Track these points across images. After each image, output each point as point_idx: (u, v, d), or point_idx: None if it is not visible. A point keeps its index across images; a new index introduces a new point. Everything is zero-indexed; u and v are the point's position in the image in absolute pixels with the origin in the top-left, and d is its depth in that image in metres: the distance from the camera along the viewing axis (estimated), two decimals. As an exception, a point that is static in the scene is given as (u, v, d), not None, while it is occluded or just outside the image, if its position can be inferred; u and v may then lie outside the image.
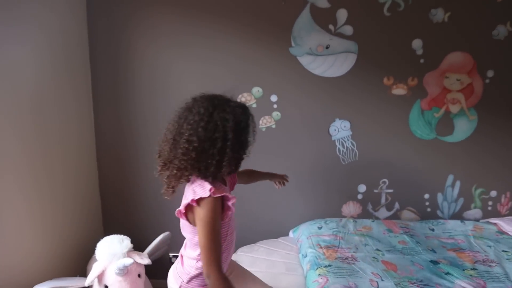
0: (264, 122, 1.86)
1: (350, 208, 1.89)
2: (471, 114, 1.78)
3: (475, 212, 1.89)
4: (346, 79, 1.77)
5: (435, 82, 1.75)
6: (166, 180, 0.91)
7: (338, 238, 1.55)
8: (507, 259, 1.40)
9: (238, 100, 0.99)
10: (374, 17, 1.72)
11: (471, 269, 1.32)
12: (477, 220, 1.87)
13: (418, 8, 1.71)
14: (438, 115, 1.78)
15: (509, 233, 1.66)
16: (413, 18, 1.72)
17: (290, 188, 1.86)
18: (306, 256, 1.43)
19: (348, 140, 1.82)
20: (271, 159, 1.86)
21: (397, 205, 1.89)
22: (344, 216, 1.89)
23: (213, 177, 0.88)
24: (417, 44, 1.73)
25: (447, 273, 1.27)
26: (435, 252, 1.45)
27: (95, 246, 1.45)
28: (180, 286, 0.96)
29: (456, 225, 1.74)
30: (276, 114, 1.84)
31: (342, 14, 1.74)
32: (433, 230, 1.69)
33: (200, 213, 0.83)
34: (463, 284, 1.19)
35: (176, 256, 1.80)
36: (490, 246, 1.52)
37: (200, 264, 0.88)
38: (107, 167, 1.94)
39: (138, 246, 1.55)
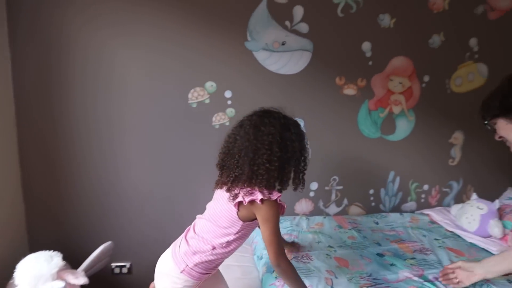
0: (218, 119, 1.77)
1: (303, 205, 1.93)
2: (410, 115, 1.93)
3: (411, 205, 2.07)
4: (301, 77, 1.77)
5: (381, 84, 1.86)
6: (231, 191, 0.99)
7: (292, 237, 1.55)
8: (438, 246, 1.56)
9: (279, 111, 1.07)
10: (329, 17, 1.75)
11: (411, 258, 1.43)
12: (412, 211, 2.06)
13: (368, 12, 1.78)
14: (383, 115, 1.89)
15: (439, 222, 1.86)
16: (364, 21, 1.78)
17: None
18: (261, 258, 1.40)
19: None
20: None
21: (345, 201, 1.98)
22: (297, 214, 1.91)
23: (281, 189, 1.03)
24: (366, 46, 1.81)
25: (391, 264, 1.36)
26: (380, 245, 1.55)
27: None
28: (184, 269, 1.01)
29: (396, 217, 1.89)
30: (230, 111, 1.77)
31: (298, 11, 1.72)
32: (377, 223, 1.81)
33: (265, 212, 0.96)
34: (406, 274, 1.28)
35: (121, 266, 1.60)
36: (424, 236, 1.67)
37: (217, 251, 1.01)
38: (33, 169, 1.66)
39: (74, 261, 1.36)
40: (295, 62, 1.75)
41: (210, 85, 1.73)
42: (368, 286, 1.18)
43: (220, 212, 1.03)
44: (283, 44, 1.73)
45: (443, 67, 1.93)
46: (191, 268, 1.01)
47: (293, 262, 1.30)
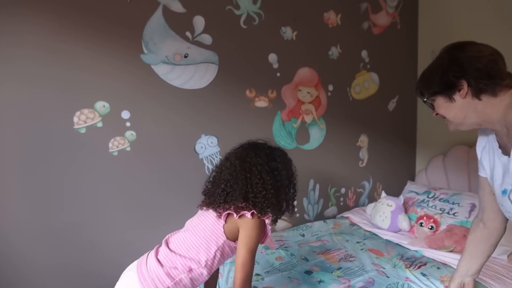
0: (116, 145, 1.49)
1: (227, 229, 1.76)
2: (321, 123, 1.99)
3: (332, 210, 2.12)
4: (209, 91, 1.64)
5: (291, 94, 1.86)
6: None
7: (219, 274, 1.36)
8: (361, 249, 1.59)
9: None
10: (232, 28, 1.68)
11: (337, 269, 1.40)
12: (334, 216, 2.11)
13: (270, 24, 1.78)
14: (296, 125, 1.90)
15: (358, 223, 1.93)
16: (267, 33, 1.77)
17: (156, 216, 1.57)
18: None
19: (216, 157, 1.68)
20: (129, 188, 1.52)
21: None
22: (222, 239, 1.74)
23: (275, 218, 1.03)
24: (273, 58, 1.80)
25: (320, 282, 1.29)
26: (307, 260, 1.49)
27: None
28: None
29: (321, 225, 1.90)
30: (131, 134, 1.51)
31: (199, 21, 1.60)
32: (303, 235, 1.77)
33: (250, 229, 0.93)
34: (334, 289, 1.23)
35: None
36: (347, 241, 1.69)
37: (193, 273, 0.94)
38: None
39: None
40: (201, 75, 1.62)
41: (102, 106, 1.45)
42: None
43: (205, 224, 1.00)
44: (185, 56, 1.58)
45: (343, 77, 2.07)
46: None
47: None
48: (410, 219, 1.80)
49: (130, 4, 1.46)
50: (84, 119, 1.43)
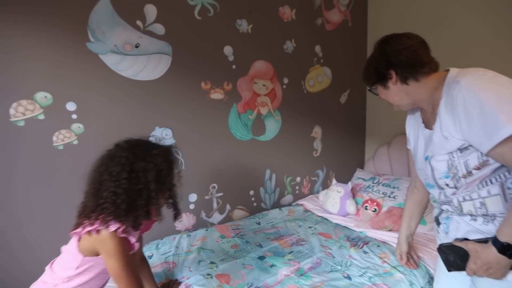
0: (61, 138, 1.42)
1: (184, 221, 1.77)
2: (276, 115, 2.06)
3: (288, 198, 2.22)
4: (162, 83, 1.61)
5: (246, 87, 1.90)
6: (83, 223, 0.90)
7: (170, 265, 1.38)
8: (312, 234, 1.70)
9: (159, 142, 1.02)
10: (186, 19, 1.65)
11: (289, 253, 1.49)
12: (290, 204, 2.21)
13: (225, 16, 1.78)
14: (252, 117, 1.94)
15: (311, 210, 2.05)
16: (222, 25, 1.77)
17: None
18: None
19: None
20: (75, 184, 1.45)
21: (228, 207, 1.94)
22: (179, 231, 1.75)
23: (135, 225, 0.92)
24: (228, 50, 1.81)
25: (271, 266, 1.37)
26: (261, 246, 1.56)
27: None
28: None
29: (276, 213, 1.98)
30: (78, 127, 1.44)
31: (150, 10, 1.56)
32: (259, 223, 1.84)
33: (104, 245, 0.87)
34: (284, 272, 1.31)
35: None
36: (300, 226, 1.80)
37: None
38: None
39: None
40: (154, 66, 1.58)
41: (43, 97, 1.36)
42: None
43: (68, 243, 0.96)
44: (136, 46, 1.53)
45: (298, 70, 2.14)
46: None
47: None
48: (357, 203, 1.95)
49: (73, -12, 1.37)
50: (23, 111, 1.34)
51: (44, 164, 1.38)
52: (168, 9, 1.60)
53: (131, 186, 0.88)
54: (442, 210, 0.95)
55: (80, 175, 1.43)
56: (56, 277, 0.93)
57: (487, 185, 0.80)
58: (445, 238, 0.95)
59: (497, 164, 0.78)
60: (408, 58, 0.89)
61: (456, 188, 0.86)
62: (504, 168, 0.78)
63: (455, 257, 0.89)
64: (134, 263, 0.97)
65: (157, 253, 1.47)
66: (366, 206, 1.88)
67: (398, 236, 1.26)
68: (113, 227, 0.86)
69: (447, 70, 0.87)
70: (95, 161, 0.95)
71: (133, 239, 0.94)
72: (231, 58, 1.83)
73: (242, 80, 1.88)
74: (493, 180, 0.79)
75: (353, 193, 2.05)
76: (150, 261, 1.40)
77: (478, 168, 0.80)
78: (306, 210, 2.06)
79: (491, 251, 0.77)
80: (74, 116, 1.43)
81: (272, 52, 2.00)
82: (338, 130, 2.46)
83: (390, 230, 1.66)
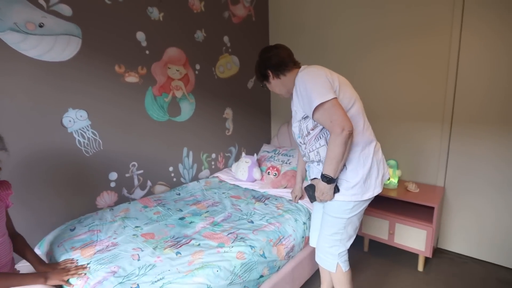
0: (-44, 120, 1.34)
1: (105, 198, 1.86)
2: (190, 98, 2.28)
3: (206, 172, 2.50)
4: (73, 65, 1.64)
5: (161, 71, 2.05)
6: None
7: (95, 232, 1.50)
8: (225, 197, 2.02)
9: None
10: (95, 2, 1.69)
11: (205, 212, 1.78)
12: (207, 177, 2.49)
13: (136, 2, 1.87)
14: (167, 100, 2.12)
15: (225, 180, 2.37)
16: (134, 11, 1.87)
17: (25, 196, 1.53)
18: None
19: (88, 130, 1.73)
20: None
21: (149, 183, 2.10)
22: (101, 208, 1.83)
23: None
24: (140, 36, 1.92)
25: (191, 222, 1.63)
26: (182, 210, 1.80)
27: None
28: None
29: (194, 185, 2.24)
30: (-24, 108, 1.38)
31: (54, -10, 1.55)
32: (179, 194, 2.07)
33: None
34: (201, 224, 1.60)
35: None
36: (215, 193, 2.10)
37: None
38: None
39: None
40: (63, 48, 1.59)
41: None
42: (171, 246, 1.39)
43: None
44: (40, 26, 1.52)
45: (209, 58, 2.39)
46: None
47: (98, 256, 1.30)
48: (261, 170, 2.37)
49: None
50: None
51: None
52: (75, -9, 1.62)
53: None
54: (306, 162, 1.40)
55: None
56: None
57: (319, 139, 1.27)
58: (308, 181, 1.40)
59: (321, 126, 1.24)
60: (276, 62, 1.33)
61: (305, 144, 1.30)
62: (325, 130, 1.24)
63: (312, 191, 1.33)
64: None
65: (80, 225, 1.56)
66: (269, 172, 2.31)
67: (294, 185, 1.83)
68: None
69: (299, 67, 1.33)
70: None
71: None
72: (144, 44, 1.94)
73: (156, 65, 2.02)
74: (321, 136, 1.26)
75: (259, 163, 2.46)
76: (72, 233, 1.50)
77: (312, 129, 1.26)
78: (221, 181, 2.38)
79: (320, 182, 1.24)
80: (-29, 97, 1.36)
81: (184, 40, 2.19)
82: (247, 111, 2.83)
83: (285, 188, 2.12)
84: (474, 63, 1.93)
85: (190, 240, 1.44)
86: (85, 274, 1.19)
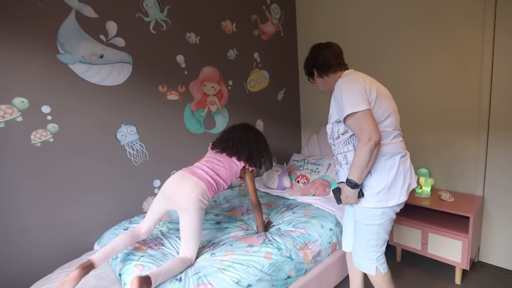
0: (38, 137, 1.65)
1: (150, 203, 2.10)
2: (224, 111, 2.47)
3: (237, 181, 2.66)
4: (125, 87, 1.92)
5: (198, 89, 2.28)
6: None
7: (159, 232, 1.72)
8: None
9: None
10: (142, 33, 1.97)
11: (240, 220, 1.92)
12: (240, 185, 2.65)
13: (176, 30, 2.13)
14: (203, 114, 2.34)
15: (258, 188, 2.51)
16: (174, 37, 2.13)
17: (86, 199, 1.81)
18: (116, 258, 1.50)
19: (136, 143, 1.99)
20: (57, 175, 1.70)
21: (187, 190, 2.31)
22: (146, 211, 2.07)
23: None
24: (180, 59, 2.17)
25: (225, 228, 1.79)
26: (218, 215, 1.97)
27: None
28: None
29: (229, 192, 2.41)
30: (53, 126, 1.69)
31: (112, 26, 1.85)
32: (215, 201, 2.25)
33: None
34: (234, 232, 1.73)
35: None
36: (248, 199, 2.24)
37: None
38: None
39: None
40: (117, 73, 1.88)
41: (20, 102, 1.59)
42: (208, 249, 1.54)
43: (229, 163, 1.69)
44: (101, 57, 1.82)
45: (240, 74, 2.58)
46: None
47: (150, 252, 1.50)
48: (291, 179, 2.47)
49: (42, 8, 1.61)
50: (2, 114, 1.56)
51: (24, 160, 1.61)
52: (127, 25, 1.90)
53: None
54: (335, 164, 1.49)
55: (60, 168, 1.71)
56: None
57: (347, 144, 1.35)
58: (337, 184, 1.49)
59: (351, 132, 1.31)
60: (321, 63, 1.42)
61: (334, 145, 1.41)
62: (354, 136, 1.31)
63: (339, 194, 1.42)
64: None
65: (132, 226, 1.79)
66: (298, 180, 2.40)
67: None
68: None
69: (346, 69, 1.42)
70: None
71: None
72: (183, 65, 2.19)
73: (194, 83, 2.26)
74: (350, 141, 1.34)
75: (290, 172, 2.57)
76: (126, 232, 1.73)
77: (343, 134, 1.34)
78: (253, 189, 2.52)
79: (346, 186, 1.31)
80: (49, 117, 1.67)
81: (218, 59, 2.40)
82: (277, 122, 2.97)
83: (313, 195, 2.20)
84: (510, 66, 1.87)
85: (224, 243, 1.59)
86: (142, 265, 1.39)
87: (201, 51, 2.28)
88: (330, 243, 1.73)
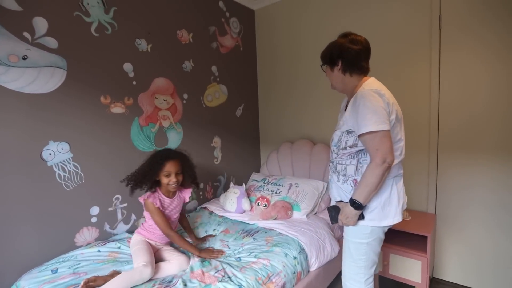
0: None
1: (85, 235, 1.75)
2: (178, 127, 2.24)
3: (193, 203, 2.41)
4: (56, 97, 1.60)
5: (148, 101, 2.03)
6: None
7: (81, 274, 1.39)
8: (215, 235, 1.93)
9: None
10: (81, 35, 1.69)
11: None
12: (195, 209, 2.40)
13: (124, 35, 1.88)
14: (154, 130, 2.08)
15: (214, 211, 2.29)
16: (121, 43, 1.87)
17: (-9, 238, 1.42)
18: None
19: (69, 163, 1.66)
20: None
21: (133, 217, 2.00)
22: (80, 246, 1.72)
23: None
24: (128, 67, 1.91)
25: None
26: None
27: None
28: None
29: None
30: None
31: (40, 23, 1.54)
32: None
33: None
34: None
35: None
36: (206, 231, 2.01)
37: None
38: None
39: None
40: (45, 80, 1.56)
41: None
42: None
43: None
44: (24, 58, 1.49)
45: (197, 87, 2.40)
46: None
47: None
48: (251, 201, 2.31)
49: None
50: None
51: None
52: (61, 24, 1.61)
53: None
54: (330, 175, 1.39)
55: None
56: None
57: (351, 158, 1.27)
58: (332, 202, 1.40)
59: (361, 147, 1.23)
60: (352, 58, 1.25)
61: (336, 154, 1.32)
62: (362, 152, 1.24)
63: (335, 213, 1.31)
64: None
65: (64, 266, 1.44)
66: (258, 203, 2.25)
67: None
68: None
69: (368, 77, 1.29)
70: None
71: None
72: (131, 75, 1.93)
73: (143, 95, 2.00)
74: (355, 156, 1.26)
75: (249, 193, 2.40)
76: (55, 275, 1.38)
77: (351, 147, 1.25)
78: (210, 212, 2.29)
79: (348, 206, 1.22)
80: None
81: (172, 70, 2.19)
82: (236, 139, 2.81)
83: (275, 219, 2.06)
84: (455, 91, 2.00)
85: (177, 282, 1.35)
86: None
87: (153, 60, 2.05)
88: (294, 273, 1.58)
